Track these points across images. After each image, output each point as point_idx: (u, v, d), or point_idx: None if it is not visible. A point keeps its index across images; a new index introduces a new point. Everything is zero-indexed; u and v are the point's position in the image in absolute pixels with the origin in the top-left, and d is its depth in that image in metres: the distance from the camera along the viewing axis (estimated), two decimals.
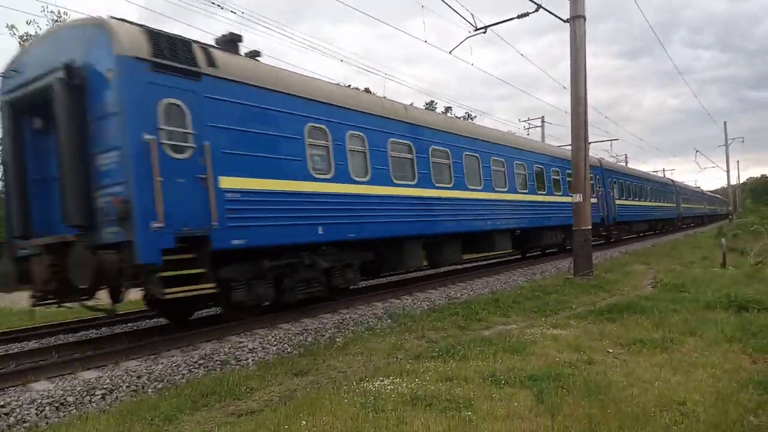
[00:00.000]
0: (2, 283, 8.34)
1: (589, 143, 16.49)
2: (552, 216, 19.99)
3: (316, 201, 10.22)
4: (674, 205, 43.62)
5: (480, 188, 15.80)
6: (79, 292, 7.86)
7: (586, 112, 15.09)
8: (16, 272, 8.14)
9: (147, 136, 7.73)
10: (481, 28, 16.13)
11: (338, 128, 10.98)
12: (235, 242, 8.70)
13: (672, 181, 48.12)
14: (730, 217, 61.82)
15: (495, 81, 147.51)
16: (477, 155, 15.82)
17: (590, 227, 15.47)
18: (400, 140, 12.77)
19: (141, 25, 8.18)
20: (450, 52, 17.87)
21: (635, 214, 31.68)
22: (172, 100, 8.14)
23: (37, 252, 8.00)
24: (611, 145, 76.60)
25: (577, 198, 15.53)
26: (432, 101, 63.54)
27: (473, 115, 62.71)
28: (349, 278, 11.66)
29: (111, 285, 8.14)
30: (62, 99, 7.77)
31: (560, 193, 20.93)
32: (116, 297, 8.52)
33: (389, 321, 10.13)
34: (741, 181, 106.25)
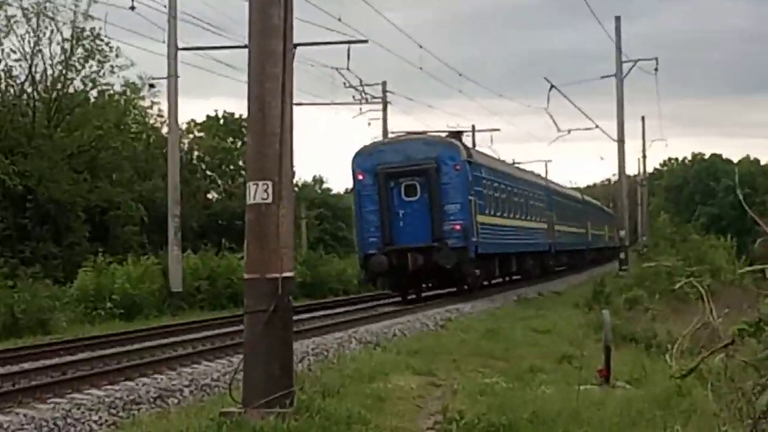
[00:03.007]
0: None
1: None
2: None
3: None
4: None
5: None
6: None
7: None
8: None
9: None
10: None
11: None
12: None
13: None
14: (624, 254, 31.79)
15: None
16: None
17: (293, 275, 6.63)
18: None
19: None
20: None
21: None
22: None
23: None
24: None
25: (259, 195, 6.47)
26: None
27: None
28: None
29: None
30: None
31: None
32: None
33: None
34: (644, 170, 55.09)
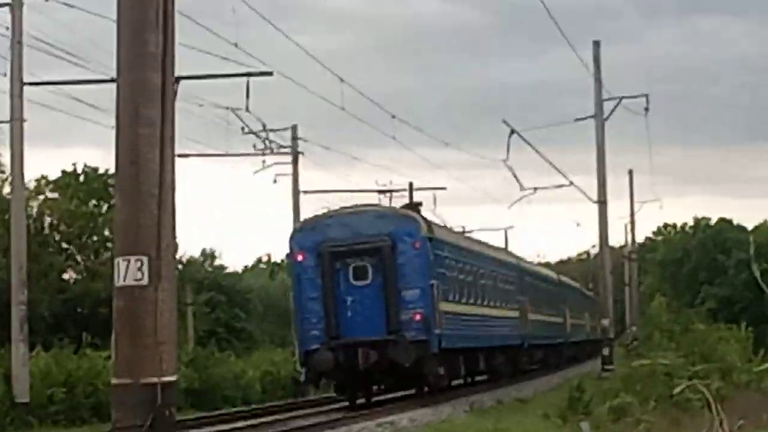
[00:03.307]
0: None
1: None
2: None
3: None
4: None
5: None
6: None
7: None
8: None
9: None
10: None
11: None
12: None
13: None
14: (608, 349, 32.38)
15: None
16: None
17: (175, 379, 7.60)
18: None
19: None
20: None
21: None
22: None
23: None
24: None
25: (131, 275, 7.12)
26: None
27: None
28: None
29: None
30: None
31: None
32: None
33: None
34: (633, 240, 52.59)
